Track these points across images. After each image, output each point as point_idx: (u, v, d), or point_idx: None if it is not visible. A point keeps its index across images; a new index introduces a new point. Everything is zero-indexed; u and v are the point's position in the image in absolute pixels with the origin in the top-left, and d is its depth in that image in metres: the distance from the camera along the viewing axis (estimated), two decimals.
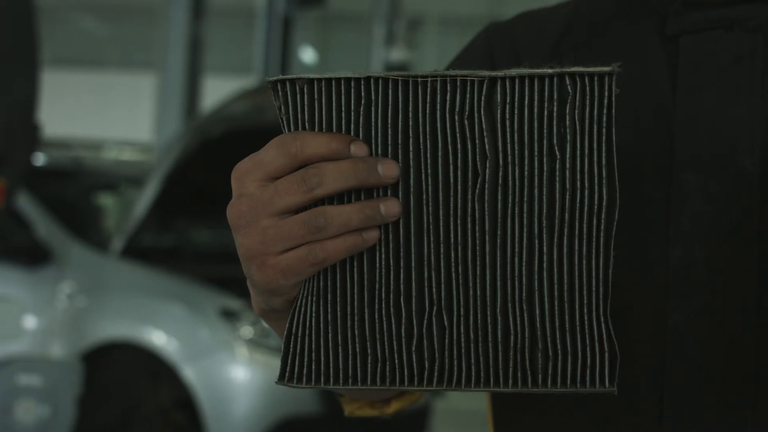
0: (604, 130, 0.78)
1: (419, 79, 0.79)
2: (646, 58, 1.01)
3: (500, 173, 0.79)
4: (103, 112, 21.62)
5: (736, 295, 0.94)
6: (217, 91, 8.89)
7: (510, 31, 1.12)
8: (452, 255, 0.80)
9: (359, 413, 1.09)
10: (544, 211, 0.79)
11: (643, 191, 0.97)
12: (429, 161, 0.80)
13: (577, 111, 0.78)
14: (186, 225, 6.48)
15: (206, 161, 5.80)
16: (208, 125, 6.25)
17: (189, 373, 5.02)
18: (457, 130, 0.79)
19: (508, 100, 0.79)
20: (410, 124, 0.79)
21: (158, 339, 5.13)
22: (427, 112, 0.79)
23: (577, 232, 0.79)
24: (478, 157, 0.79)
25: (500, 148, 0.79)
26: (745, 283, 0.94)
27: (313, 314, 0.82)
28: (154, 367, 5.10)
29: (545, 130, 0.79)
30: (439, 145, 0.79)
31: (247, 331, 5.02)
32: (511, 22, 1.13)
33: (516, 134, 0.79)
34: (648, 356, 0.96)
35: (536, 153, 0.79)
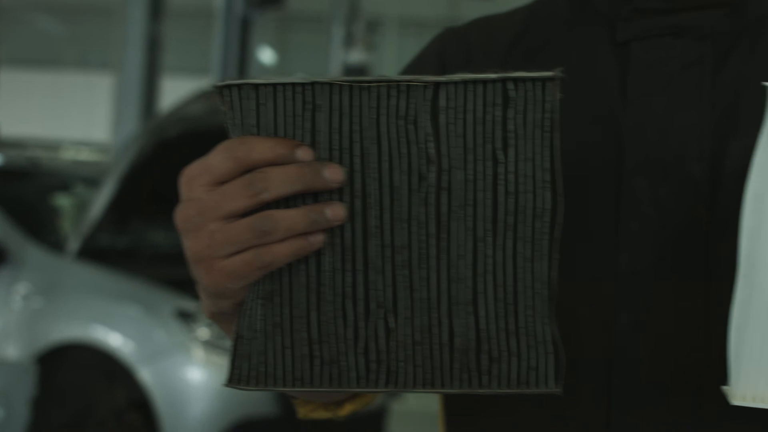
0: (547, 134, 0.80)
1: (364, 85, 0.80)
2: (597, 64, 1.02)
3: (444, 177, 0.80)
4: (60, 113, 21.50)
5: (684, 300, 0.95)
6: (175, 91, 8.87)
7: (464, 37, 1.12)
8: (397, 258, 0.81)
9: (313, 416, 1.10)
10: (488, 214, 0.81)
11: (592, 196, 0.98)
12: (374, 165, 0.81)
13: (520, 116, 0.80)
14: (142, 226, 6.45)
15: (163, 162, 5.77)
16: (165, 126, 6.24)
17: (145, 374, 5.00)
18: (402, 135, 0.80)
19: (451, 105, 0.80)
20: (356, 128, 0.80)
21: (114, 340, 5.11)
22: (372, 116, 0.80)
23: (521, 235, 0.81)
24: (422, 161, 0.80)
25: (444, 152, 0.80)
26: (692, 288, 0.95)
27: (260, 317, 0.83)
28: (110, 368, 5.08)
29: (489, 135, 0.80)
30: (384, 149, 0.80)
31: (203, 332, 5.01)
32: (465, 28, 1.14)
33: (459, 139, 0.80)
34: (596, 360, 0.97)
35: (480, 157, 0.80)
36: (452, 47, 1.12)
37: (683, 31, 1.00)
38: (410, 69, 1.12)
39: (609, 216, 0.97)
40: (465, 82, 0.79)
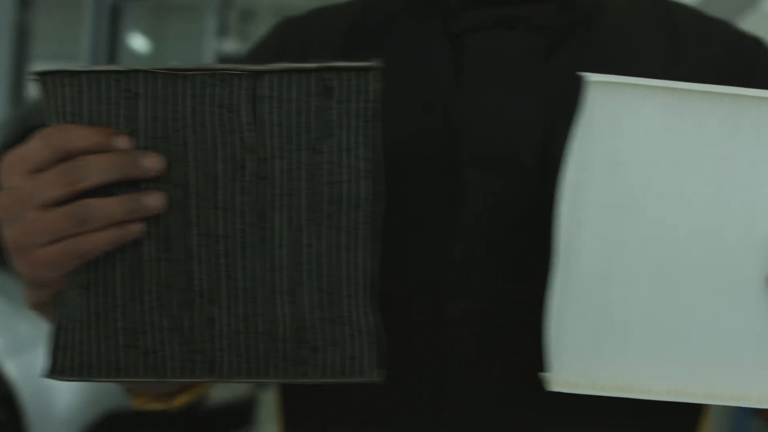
0: (368, 124, 0.80)
1: (184, 73, 0.79)
2: (431, 55, 1.02)
3: (264, 166, 0.81)
4: None
5: (516, 290, 0.96)
6: None
7: (302, 27, 1.12)
8: (217, 247, 0.81)
9: (147, 407, 1.09)
10: (308, 204, 0.81)
11: (425, 187, 0.99)
12: (194, 154, 0.80)
13: (340, 105, 0.80)
14: None
15: None
16: (32, 114, 6.13)
17: (10, 368, 4.90)
18: (221, 124, 0.80)
19: (271, 94, 0.80)
20: (176, 117, 0.80)
21: None
22: (192, 105, 0.80)
23: (342, 224, 0.81)
24: (242, 150, 0.80)
25: (264, 142, 0.80)
26: (524, 278, 0.96)
27: (79, 306, 0.82)
28: None
29: (308, 124, 0.80)
30: (204, 138, 0.80)
31: None
32: (303, 17, 1.14)
33: (279, 128, 0.80)
34: (427, 351, 0.97)
35: (300, 146, 0.80)
36: (290, 37, 1.12)
37: (516, 23, 1.01)
38: (248, 59, 1.12)
39: (442, 206, 0.98)
40: (285, 72, 0.80)
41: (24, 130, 5.90)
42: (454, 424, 0.97)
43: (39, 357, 4.89)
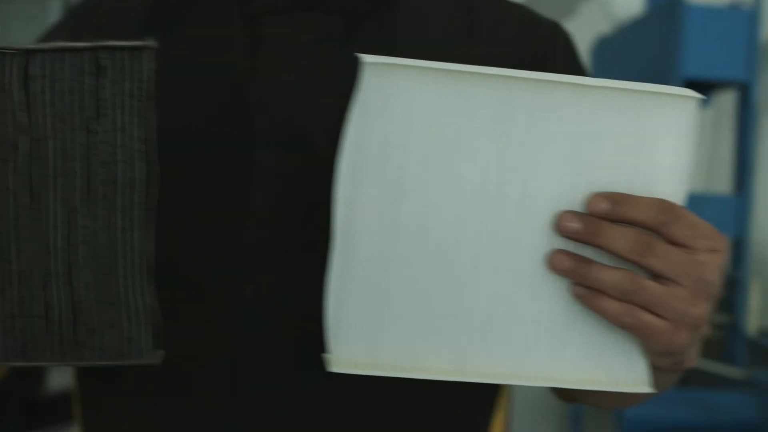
0: (142, 104, 0.80)
1: None
2: (228, 37, 1.02)
3: (37, 146, 0.79)
4: None
5: (309, 273, 0.96)
6: None
7: (96, 8, 1.11)
8: None
9: None
10: (83, 184, 0.80)
11: (219, 169, 0.98)
12: None
13: (113, 85, 0.79)
14: None
15: None
16: None
17: None
18: None
19: (43, 74, 0.79)
20: None
21: None
22: None
23: (117, 205, 0.80)
24: (14, 130, 0.79)
25: (37, 122, 0.79)
26: (317, 261, 0.96)
27: None
28: None
29: (81, 104, 0.79)
30: None
31: None
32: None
33: (52, 107, 0.79)
34: (222, 333, 0.97)
35: (73, 126, 0.79)
36: (84, 19, 1.10)
37: (314, 6, 1.02)
38: (40, 41, 1.10)
39: (234, 188, 0.98)
40: (57, 51, 0.78)
41: None
42: (250, 406, 0.97)
43: None
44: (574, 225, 0.83)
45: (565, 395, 1.15)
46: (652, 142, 0.84)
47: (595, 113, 0.84)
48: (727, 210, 4.66)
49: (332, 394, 0.98)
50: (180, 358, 0.97)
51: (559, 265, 0.84)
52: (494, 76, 0.83)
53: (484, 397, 1.06)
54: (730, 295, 4.73)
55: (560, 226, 0.83)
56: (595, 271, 0.83)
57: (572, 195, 0.84)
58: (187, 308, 0.97)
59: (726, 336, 4.75)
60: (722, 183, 5.40)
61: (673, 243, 0.84)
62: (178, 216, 0.97)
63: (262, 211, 0.97)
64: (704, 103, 4.87)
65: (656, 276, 0.84)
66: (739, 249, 4.69)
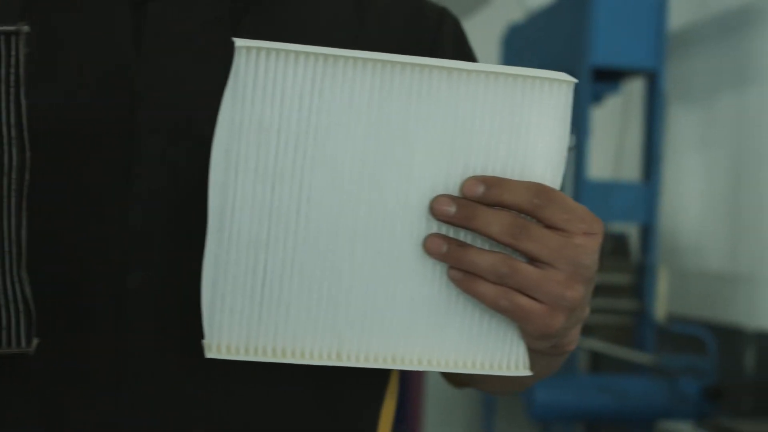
0: (13, 89, 0.78)
1: None
2: (113, 22, 1.00)
3: None
4: None
5: (193, 260, 0.95)
6: None
7: None
8: None
9: None
10: None
11: (103, 155, 0.97)
12: None
13: None
14: None
15: None
16: None
17: None
18: None
19: None
20: None
21: None
22: None
23: None
24: None
25: None
26: (201, 248, 0.95)
27: None
28: None
29: None
30: None
31: None
32: None
33: None
34: (107, 322, 0.96)
35: None
36: None
37: None
38: None
39: (119, 174, 0.96)
40: None
41: None
42: (135, 395, 0.96)
43: None
44: (449, 209, 0.83)
45: (454, 380, 1.15)
46: (528, 126, 0.85)
47: (470, 97, 0.84)
48: (636, 197, 4.72)
49: (218, 380, 0.97)
50: (64, 347, 0.96)
51: (435, 248, 0.84)
52: (369, 60, 0.82)
53: (372, 382, 1.06)
54: (639, 282, 4.79)
55: (435, 209, 0.83)
56: (471, 255, 0.83)
57: (448, 179, 0.84)
58: (70, 296, 0.96)
59: (635, 322, 4.81)
60: (631, 171, 5.46)
61: (549, 226, 0.84)
62: (60, 202, 0.95)
63: (147, 199, 0.96)
64: (613, 91, 4.93)
65: (532, 259, 0.84)
66: (647, 236, 4.75)
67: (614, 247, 4.97)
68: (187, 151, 0.96)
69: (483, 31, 5.93)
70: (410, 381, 5.74)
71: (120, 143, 0.97)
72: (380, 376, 1.07)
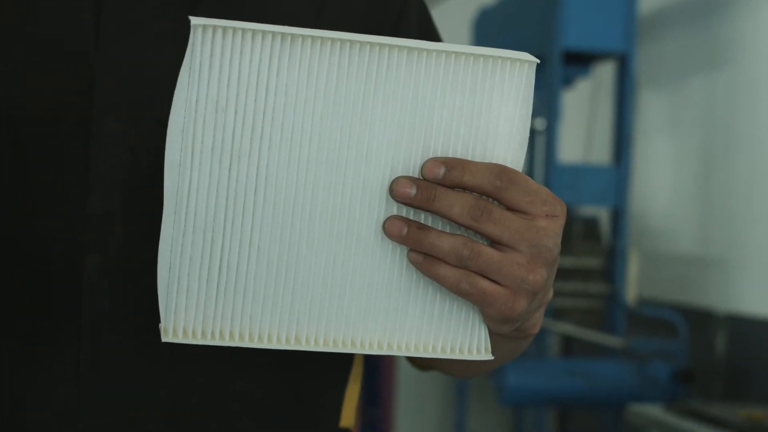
0: None
1: None
2: (71, 4, 0.99)
3: None
4: None
5: (153, 242, 0.94)
6: None
7: None
8: None
9: None
10: None
11: (62, 139, 0.96)
12: None
13: None
14: None
15: None
16: None
17: None
18: None
19: None
20: None
21: None
22: None
23: None
24: None
25: None
26: (158, 232, 0.94)
27: None
28: None
29: None
30: None
31: None
32: None
33: None
34: (66, 303, 0.95)
35: None
36: None
37: None
38: None
39: (79, 158, 0.95)
40: None
41: None
42: (93, 377, 0.95)
43: None
44: (409, 190, 0.82)
45: (417, 363, 1.14)
46: (489, 107, 0.84)
47: (430, 77, 0.82)
48: (606, 181, 4.73)
49: (179, 363, 0.96)
50: (21, 331, 0.95)
51: (395, 231, 0.83)
52: (328, 39, 0.81)
53: (335, 364, 1.05)
54: (610, 265, 4.80)
55: (395, 191, 0.82)
56: (431, 238, 0.82)
57: (408, 160, 0.83)
58: (30, 281, 0.95)
59: (606, 305, 4.82)
60: (601, 154, 5.47)
61: (511, 209, 0.83)
62: (19, 185, 0.94)
63: (105, 182, 0.95)
64: (583, 74, 4.93)
65: (494, 242, 0.83)
66: (618, 219, 4.76)
67: (585, 231, 4.98)
68: (146, 133, 0.95)
69: (455, 14, 5.93)
70: (382, 364, 5.74)
71: (78, 126, 0.96)
72: (344, 358, 1.06)
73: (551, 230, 0.84)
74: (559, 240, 0.85)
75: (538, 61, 0.84)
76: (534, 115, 4.70)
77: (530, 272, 0.83)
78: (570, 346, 5.76)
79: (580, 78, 5.00)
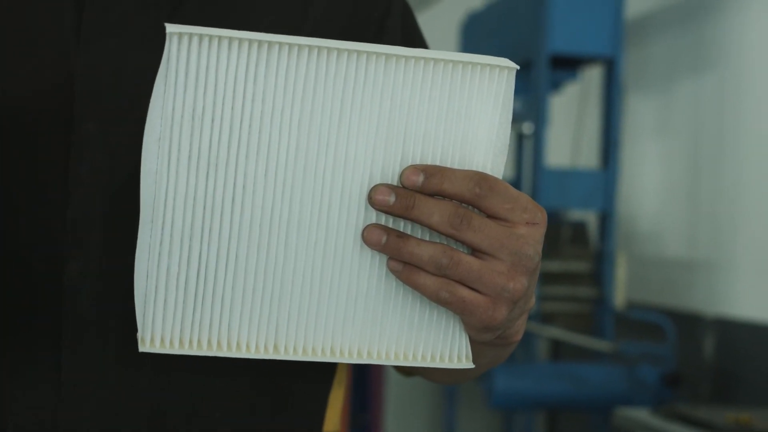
0: None
1: None
2: (50, 5, 0.98)
3: None
4: None
5: (133, 248, 0.93)
6: None
7: None
8: None
9: None
10: None
11: (44, 143, 0.95)
12: None
13: None
14: None
15: None
16: None
17: None
18: None
19: None
20: None
21: None
22: None
23: None
24: None
25: None
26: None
27: None
28: None
29: None
30: None
31: None
32: None
33: None
34: (47, 309, 0.95)
35: None
36: None
37: None
38: None
39: (59, 162, 0.95)
40: None
41: None
42: (74, 383, 0.95)
43: None
44: (388, 198, 0.81)
45: (401, 369, 1.14)
46: (468, 113, 0.83)
47: (407, 84, 0.82)
48: (594, 184, 4.73)
49: (159, 371, 0.96)
50: (5, 336, 0.95)
51: (374, 239, 0.82)
52: (305, 46, 0.80)
53: (319, 370, 1.05)
54: (598, 269, 4.80)
55: (374, 199, 0.81)
56: (410, 246, 0.82)
57: (386, 167, 0.82)
58: (11, 286, 0.95)
59: (594, 309, 4.82)
60: (589, 158, 5.47)
61: (491, 216, 0.83)
62: (4, 191, 0.94)
63: (86, 186, 0.95)
64: (571, 78, 4.93)
65: (474, 250, 0.83)
66: (605, 223, 4.76)
67: (573, 235, 4.98)
68: (127, 137, 0.94)
69: (443, 18, 5.93)
70: (371, 369, 5.74)
71: (60, 130, 0.95)
72: (327, 363, 1.05)
73: (531, 238, 0.83)
74: (539, 248, 0.84)
75: (518, 67, 0.83)
76: (522, 119, 4.70)
77: (510, 280, 0.83)
78: (558, 350, 5.76)
79: (567, 82, 5.00)
